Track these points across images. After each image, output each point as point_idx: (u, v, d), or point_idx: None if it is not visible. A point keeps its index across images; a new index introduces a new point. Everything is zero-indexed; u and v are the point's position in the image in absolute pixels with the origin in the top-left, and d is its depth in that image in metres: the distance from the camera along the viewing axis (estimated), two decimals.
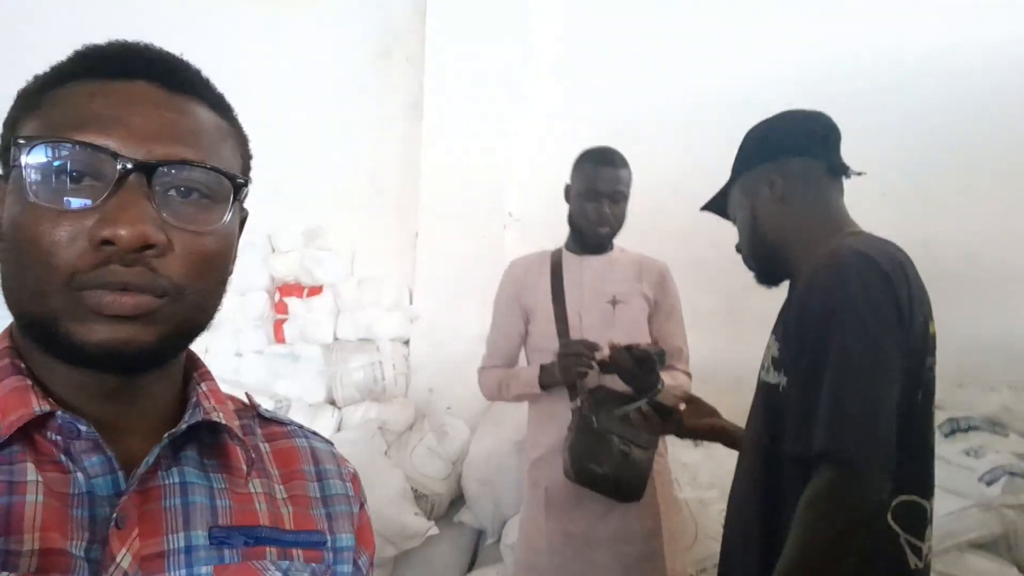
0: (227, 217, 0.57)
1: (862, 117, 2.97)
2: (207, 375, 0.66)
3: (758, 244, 1.31)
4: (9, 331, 0.59)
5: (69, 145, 0.52)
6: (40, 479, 0.52)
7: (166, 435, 0.57)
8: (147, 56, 0.58)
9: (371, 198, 3.50)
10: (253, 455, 0.64)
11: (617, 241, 2.02)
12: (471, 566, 2.86)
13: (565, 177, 1.99)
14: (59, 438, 0.54)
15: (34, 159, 0.52)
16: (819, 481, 1.03)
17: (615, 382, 1.77)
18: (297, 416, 3.13)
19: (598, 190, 1.86)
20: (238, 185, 0.58)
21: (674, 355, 1.95)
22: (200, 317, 0.58)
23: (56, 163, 0.52)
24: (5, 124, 0.58)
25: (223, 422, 0.61)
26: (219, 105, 0.61)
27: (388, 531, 2.51)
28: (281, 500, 0.64)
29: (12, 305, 0.55)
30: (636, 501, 1.76)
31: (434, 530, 2.60)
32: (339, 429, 3.12)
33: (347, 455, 2.47)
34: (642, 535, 1.81)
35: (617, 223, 1.91)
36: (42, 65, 0.59)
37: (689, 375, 1.98)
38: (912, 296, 1.09)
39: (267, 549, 0.60)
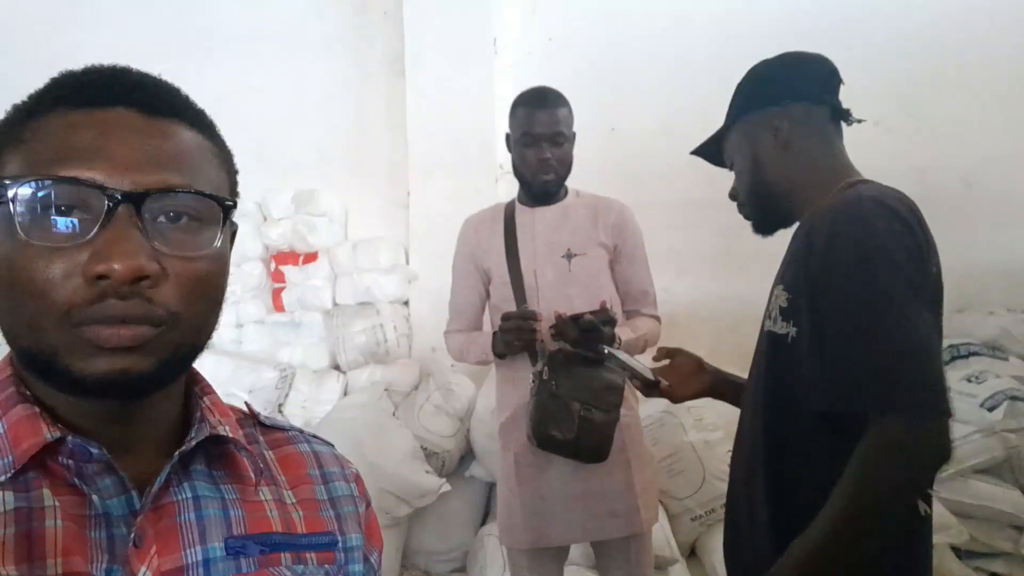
0: (218, 242, 0.57)
1: (853, 44, 2.91)
2: (208, 388, 0.66)
3: (760, 191, 1.26)
4: (10, 359, 0.59)
5: (55, 182, 0.52)
6: (57, 504, 0.53)
7: (176, 453, 0.58)
8: (124, 81, 0.58)
9: (360, 158, 3.46)
10: (261, 464, 0.65)
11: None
12: (484, 519, 2.91)
13: None
14: (71, 462, 0.55)
15: (22, 196, 0.52)
16: (884, 434, 0.99)
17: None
18: (303, 383, 3.15)
19: (535, 133, 1.77)
20: (227, 207, 0.58)
21: (639, 300, 1.90)
22: (197, 340, 0.58)
23: (44, 199, 0.52)
24: None
25: (230, 435, 0.62)
26: (200, 123, 0.61)
27: (401, 491, 2.55)
28: (291, 505, 0.65)
29: (10, 341, 0.56)
30: (601, 462, 1.74)
31: (446, 487, 2.64)
32: (346, 393, 3.15)
33: (355, 418, 2.47)
34: (614, 491, 1.79)
35: (562, 167, 1.82)
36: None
37: (658, 319, 1.92)
38: (928, 243, 1.08)
39: (282, 555, 0.61)
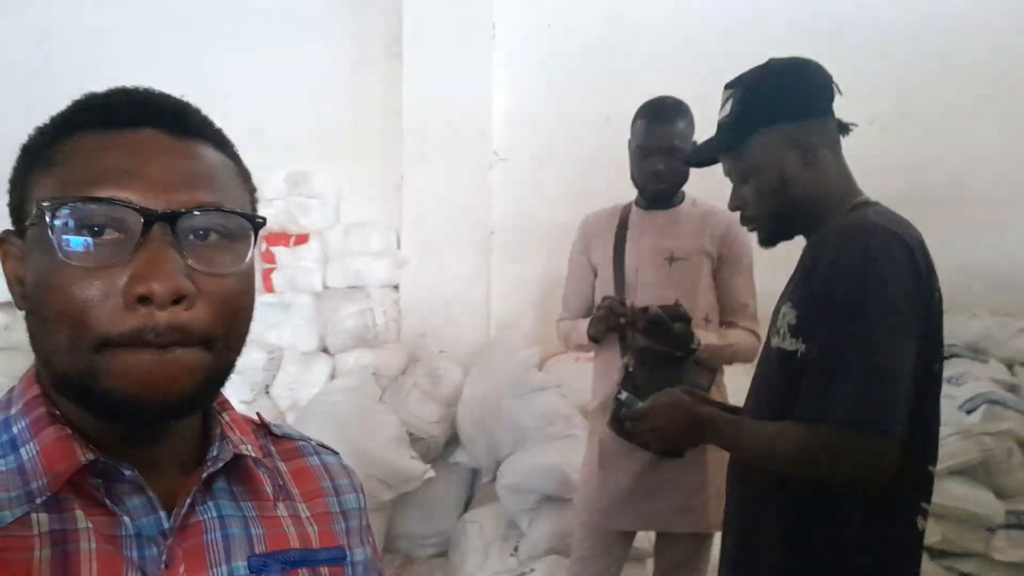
0: (248, 258, 0.58)
1: (846, 39, 2.92)
2: (226, 403, 0.67)
3: (785, 209, 1.25)
4: (36, 376, 0.59)
5: (93, 203, 0.53)
6: (91, 526, 0.54)
7: (204, 474, 0.59)
8: (151, 103, 0.59)
9: (354, 141, 3.45)
10: (280, 480, 0.67)
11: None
12: (467, 505, 2.93)
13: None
14: (101, 482, 0.56)
15: (60, 219, 0.52)
16: (818, 435, 1.08)
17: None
18: (291, 365, 3.15)
19: (647, 146, 1.86)
20: (257, 225, 0.59)
21: (737, 312, 1.94)
22: (231, 359, 0.59)
23: (81, 221, 0.52)
24: (14, 182, 0.58)
25: (252, 455, 0.64)
26: (222, 143, 0.62)
27: (385, 475, 2.56)
28: (305, 519, 0.66)
29: (45, 364, 0.56)
30: (678, 458, 1.76)
31: (430, 473, 2.66)
32: (333, 376, 3.15)
33: (342, 402, 2.48)
34: (687, 489, 1.85)
35: (674, 177, 1.89)
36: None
37: (754, 333, 1.92)
38: (931, 271, 1.13)
39: (300, 571, 0.63)
